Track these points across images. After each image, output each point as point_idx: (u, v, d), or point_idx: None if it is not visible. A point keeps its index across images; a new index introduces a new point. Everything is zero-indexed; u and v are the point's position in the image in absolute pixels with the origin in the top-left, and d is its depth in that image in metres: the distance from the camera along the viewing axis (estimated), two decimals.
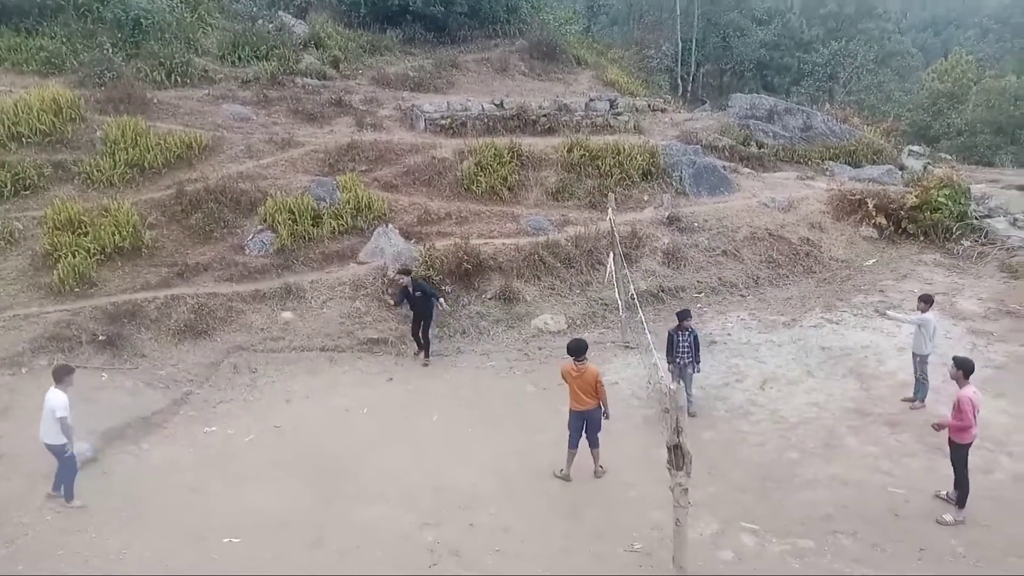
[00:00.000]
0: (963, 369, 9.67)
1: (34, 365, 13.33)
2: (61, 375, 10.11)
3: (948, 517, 9.70)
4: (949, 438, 9.81)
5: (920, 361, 12.42)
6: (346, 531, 9.79)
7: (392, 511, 10.19)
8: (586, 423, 10.71)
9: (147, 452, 11.64)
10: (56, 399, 9.88)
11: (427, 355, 14.76)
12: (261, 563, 9.12)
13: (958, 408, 9.53)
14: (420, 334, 14.77)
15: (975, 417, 9.52)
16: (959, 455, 9.72)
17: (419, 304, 14.65)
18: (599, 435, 10.89)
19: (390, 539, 9.63)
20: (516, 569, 9.09)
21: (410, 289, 14.62)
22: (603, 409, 10.81)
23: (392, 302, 15.32)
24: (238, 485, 10.75)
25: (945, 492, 10.14)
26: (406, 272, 14.92)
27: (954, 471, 9.84)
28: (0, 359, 13.32)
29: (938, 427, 9.84)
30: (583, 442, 10.82)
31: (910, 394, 12.65)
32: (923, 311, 12.40)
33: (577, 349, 10.59)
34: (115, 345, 14.04)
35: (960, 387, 9.65)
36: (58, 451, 10.00)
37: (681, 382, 11.28)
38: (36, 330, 14.09)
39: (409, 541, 9.61)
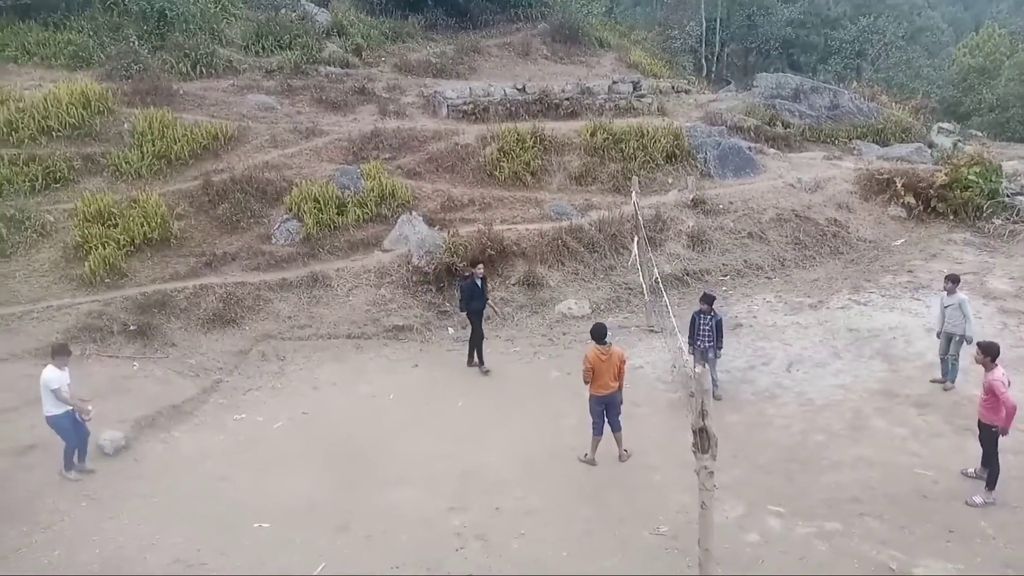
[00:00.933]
0: (989, 354, 9.54)
1: None
2: (56, 352, 10.53)
3: (978, 499, 9.60)
4: (979, 420, 9.69)
5: (955, 342, 12.16)
6: (373, 516, 9.90)
7: (418, 496, 10.28)
8: (607, 407, 10.71)
9: (178, 440, 11.85)
10: (48, 373, 10.33)
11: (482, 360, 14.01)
12: (290, 548, 9.27)
13: (991, 391, 9.40)
14: (478, 340, 13.87)
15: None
16: (990, 437, 9.60)
17: (480, 300, 13.85)
18: (620, 418, 10.89)
19: (416, 523, 9.73)
20: (541, 552, 9.15)
21: (478, 282, 13.85)
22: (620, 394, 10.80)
23: (460, 306, 14.27)
24: (267, 471, 10.91)
25: (972, 470, 10.04)
26: (476, 263, 14.27)
27: (984, 452, 9.72)
28: (35, 349, 13.59)
29: (1004, 431, 9.55)
30: (607, 428, 10.83)
31: (938, 375, 12.50)
32: (951, 291, 12.20)
33: (600, 333, 10.56)
34: (146, 335, 14.28)
35: (987, 371, 9.52)
36: (53, 422, 10.41)
37: (706, 365, 11.27)
38: (69, 321, 14.37)
39: (435, 525, 9.70)
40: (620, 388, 10.75)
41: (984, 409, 9.57)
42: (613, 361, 10.55)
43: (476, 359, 13.93)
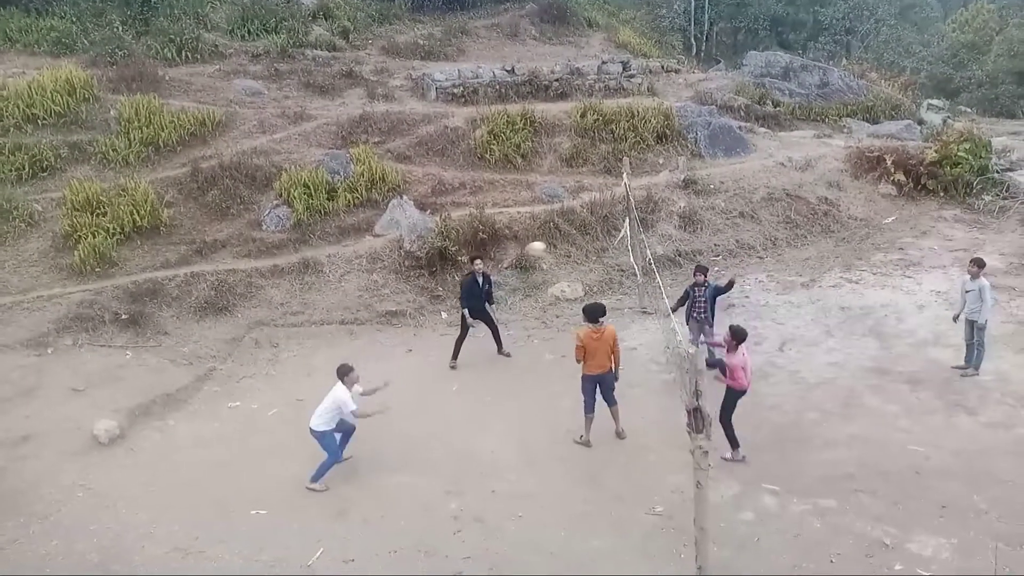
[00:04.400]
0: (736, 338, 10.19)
1: (59, 345, 13.56)
2: (343, 373, 10.25)
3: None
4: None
5: (978, 328, 11.86)
6: (370, 501, 9.94)
7: (415, 480, 10.32)
8: (599, 385, 10.73)
9: (173, 428, 11.84)
10: (341, 395, 10.05)
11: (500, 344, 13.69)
12: (287, 534, 9.30)
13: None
14: (494, 331, 13.55)
15: None
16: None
17: (481, 300, 13.30)
18: (615, 394, 10.90)
19: (414, 508, 9.77)
20: (538, 533, 9.20)
21: (479, 280, 13.34)
22: (615, 370, 10.80)
23: (464, 308, 13.31)
24: (263, 458, 10.91)
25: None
26: (479, 258, 13.73)
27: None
28: (26, 340, 13.54)
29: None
30: (601, 406, 10.85)
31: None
32: (975, 275, 11.87)
33: (595, 312, 10.57)
34: (138, 323, 14.22)
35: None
36: (322, 437, 10.17)
37: (700, 345, 11.30)
38: (60, 311, 14.29)
39: (433, 509, 9.74)
40: (617, 365, 10.78)
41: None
42: (606, 339, 10.57)
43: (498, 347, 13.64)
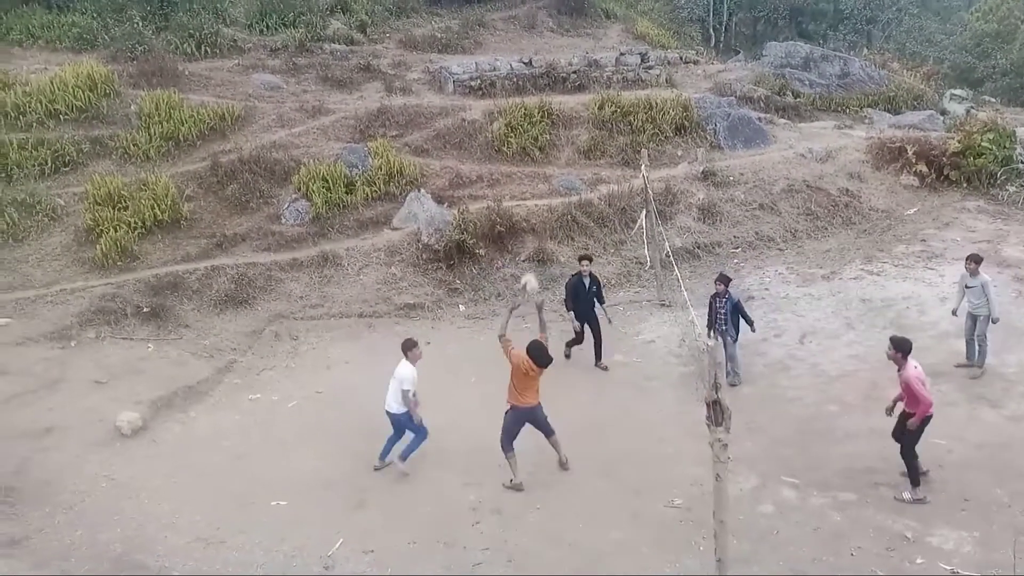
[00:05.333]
0: (901, 350, 9.25)
1: (82, 338, 13.70)
2: (407, 348, 10.32)
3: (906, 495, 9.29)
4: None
5: (980, 322, 11.70)
6: (389, 492, 10.00)
7: (433, 472, 10.36)
8: (532, 423, 10.03)
9: (194, 420, 11.94)
10: (404, 371, 10.11)
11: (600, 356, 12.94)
12: (307, 525, 9.37)
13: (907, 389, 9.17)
14: (596, 338, 12.74)
15: None
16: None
17: (588, 302, 12.61)
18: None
19: (432, 499, 9.81)
20: (557, 525, 9.22)
21: (586, 282, 12.61)
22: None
23: (568, 306, 12.79)
24: (283, 450, 11.00)
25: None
26: (587, 259, 12.78)
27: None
28: (49, 333, 13.70)
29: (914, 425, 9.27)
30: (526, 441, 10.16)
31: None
32: (973, 272, 11.74)
33: (541, 357, 9.67)
34: (159, 316, 14.35)
35: (901, 368, 9.26)
36: (395, 420, 10.27)
37: (718, 339, 11.21)
38: (83, 304, 14.45)
39: (451, 501, 9.78)
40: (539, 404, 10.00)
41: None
42: (537, 382, 9.88)
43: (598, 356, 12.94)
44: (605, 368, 12.94)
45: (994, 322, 11.67)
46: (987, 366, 11.86)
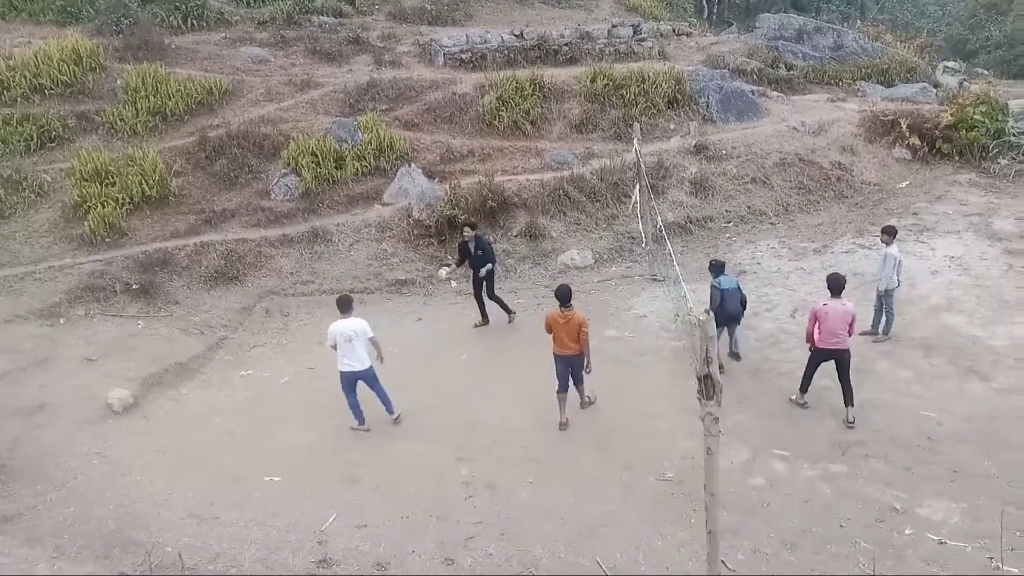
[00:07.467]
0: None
1: (71, 315, 13.63)
2: (346, 305, 10.71)
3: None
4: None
5: (886, 294, 12.08)
6: (381, 468, 10.01)
7: (425, 447, 10.38)
8: (571, 368, 10.56)
9: (185, 397, 11.93)
10: (362, 323, 10.65)
11: (509, 311, 13.72)
12: (300, 500, 9.39)
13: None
14: (485, 297, 13.56)
15: None
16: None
17: (480, 264, 13.39)
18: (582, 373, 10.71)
19: (425, 474, 9.83)
20: (549, 499, 9.26)
21: (471, 246, 13.37)
22: (586, 361, 10.54)
23: (454, 264, 14.10)
24: (275, 426, 11.00)
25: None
26: (471, 225, 13.59)
27: None
28: (38, 310, 13.62)
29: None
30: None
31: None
32: (888, 244, 12.05)
33: (563, 296, 10.37)
34: (149, 293, 14.28)
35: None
36: (368, 376, 10.69)
37: (711, 313, 11.15)
38: (71, 281, 14.36)
39: (444, 475, 9.81)
40: (582, 352, 10.45)
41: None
42: (572, 325, 10.33)
43: (482, 316, 13.76)
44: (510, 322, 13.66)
45: (880, 293, 12.08)
46: (975, 339, 11.93)
